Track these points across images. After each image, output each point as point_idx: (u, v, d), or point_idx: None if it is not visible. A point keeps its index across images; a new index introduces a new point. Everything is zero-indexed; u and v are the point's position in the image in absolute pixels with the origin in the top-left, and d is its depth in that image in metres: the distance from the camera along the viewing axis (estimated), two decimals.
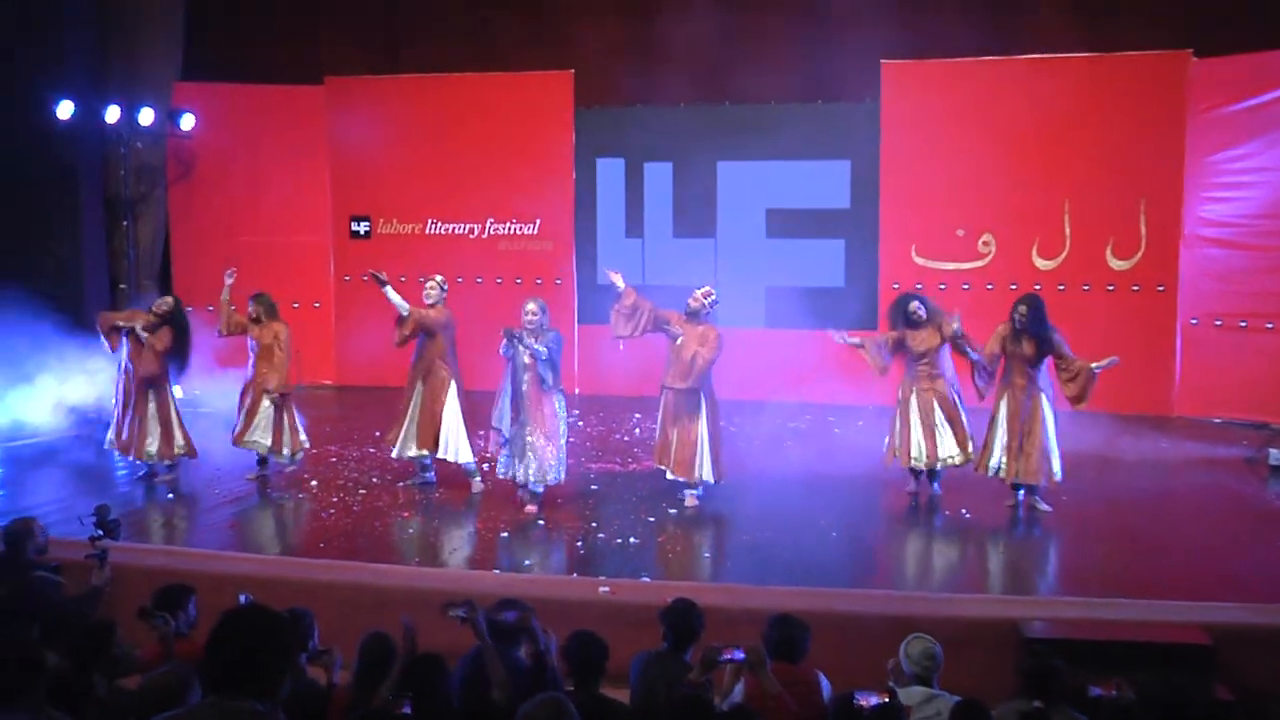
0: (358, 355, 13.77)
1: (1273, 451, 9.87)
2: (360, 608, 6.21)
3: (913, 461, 8.61)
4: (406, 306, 8.76)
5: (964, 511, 8.48)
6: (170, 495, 9.17)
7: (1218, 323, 11.96)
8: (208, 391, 11.20)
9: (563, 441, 8.40)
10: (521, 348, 8.14)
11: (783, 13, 13.16)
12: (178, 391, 9.68)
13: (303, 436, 9.50)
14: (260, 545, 8.11)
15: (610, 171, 13.81)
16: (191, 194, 14.23)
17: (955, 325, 8.39)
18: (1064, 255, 12.48)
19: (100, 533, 5.53)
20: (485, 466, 8.94)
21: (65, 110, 12.56)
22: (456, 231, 14.08)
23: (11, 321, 10.77)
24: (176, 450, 9.36)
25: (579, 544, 7.77)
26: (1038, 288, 11.67)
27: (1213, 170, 11.94)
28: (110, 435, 9.47)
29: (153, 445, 9.26)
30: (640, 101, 13.64)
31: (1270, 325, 11.58)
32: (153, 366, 9.15)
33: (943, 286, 12.53)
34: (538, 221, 13.87)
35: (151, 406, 9.23)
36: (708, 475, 8.45)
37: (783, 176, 13.26)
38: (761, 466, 9.66)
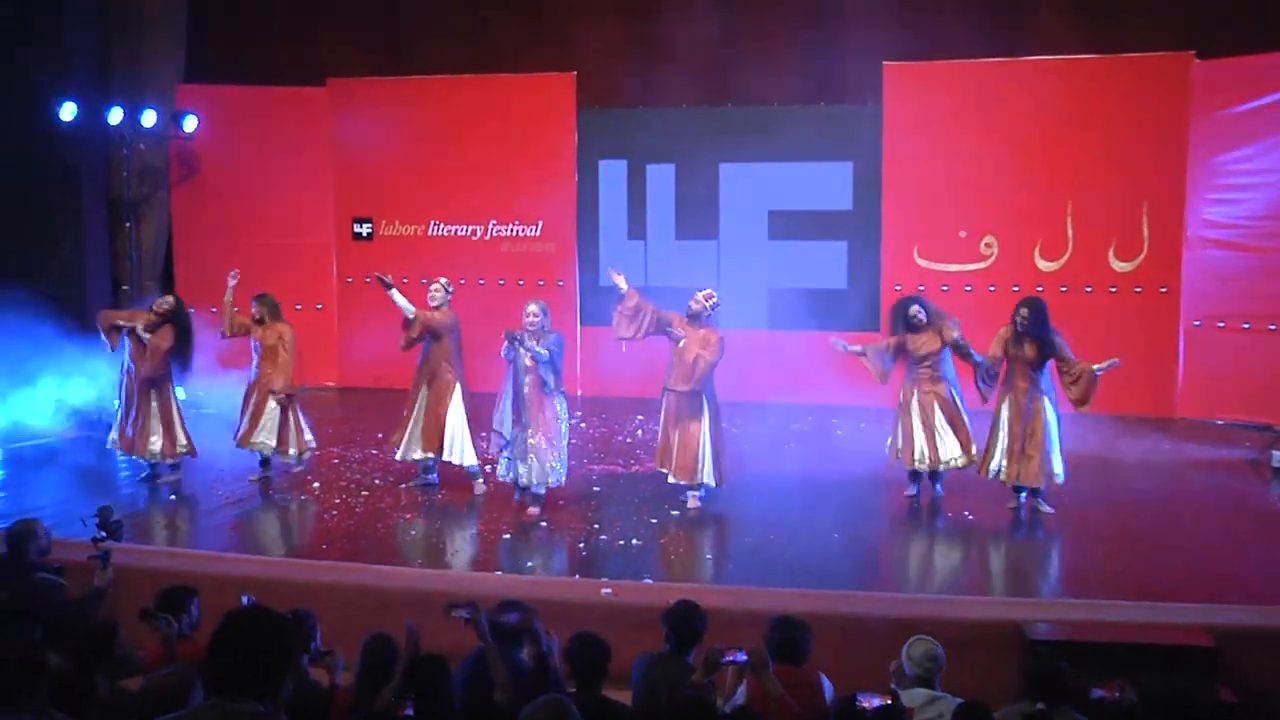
0: (360, 357, 13.79)
1: (1275, 453, 9.85)
2: (363, 609, 6.21)
3: (916, 464, 8.60)
4: (412, 309, 8.76)
5: (966, 513, 8.47)
6: (173, 496, 9.18)
7: (1220, 324, 11.95)
8: (210, 393, 11.21)
9: (564, 443, 8.40)
10: (522, 350, 8.14)
11: (785, 14, 13.16)
12: (180, 393, 9.68)
13: (309, 436, 9.51)
14: (263, 547, 8.12)
15: (612, 173, 13.80)
16: (194, 196, 14.25)
17: (956, 334, 8.39)
18: (1066, 257, 12.47)
19: (103, 534, 5.53)
20: (488, 469, 8.94)
21: (68, 112, 12.58)
22: (459, 233, 14.09)
23: (14, 323, 10.78)
24: (179, 449, 9.37)
25: (581, 545, 7.77)
26: (1040, 289, 11.68)
27: (1215, 172, 11.92)
28: (113, 435, 9.47)
29: (156, 444, 9.27)
30: (643, 103, 13.64)
31: (1273, 327, 11.56)
32: (155, 366, 9.16)
33: (945, 288, 12.53)
34: (540, 223, 13.87)
35: (154, 406, 9.24)
36: (709, 478, 8.44)
37: (785, 178, 13.25)
38: (764, 468, 9.66)
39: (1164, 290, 12.22)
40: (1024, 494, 8.40)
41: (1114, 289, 12.34)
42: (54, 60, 12.86)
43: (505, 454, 8.35)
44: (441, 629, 4.61)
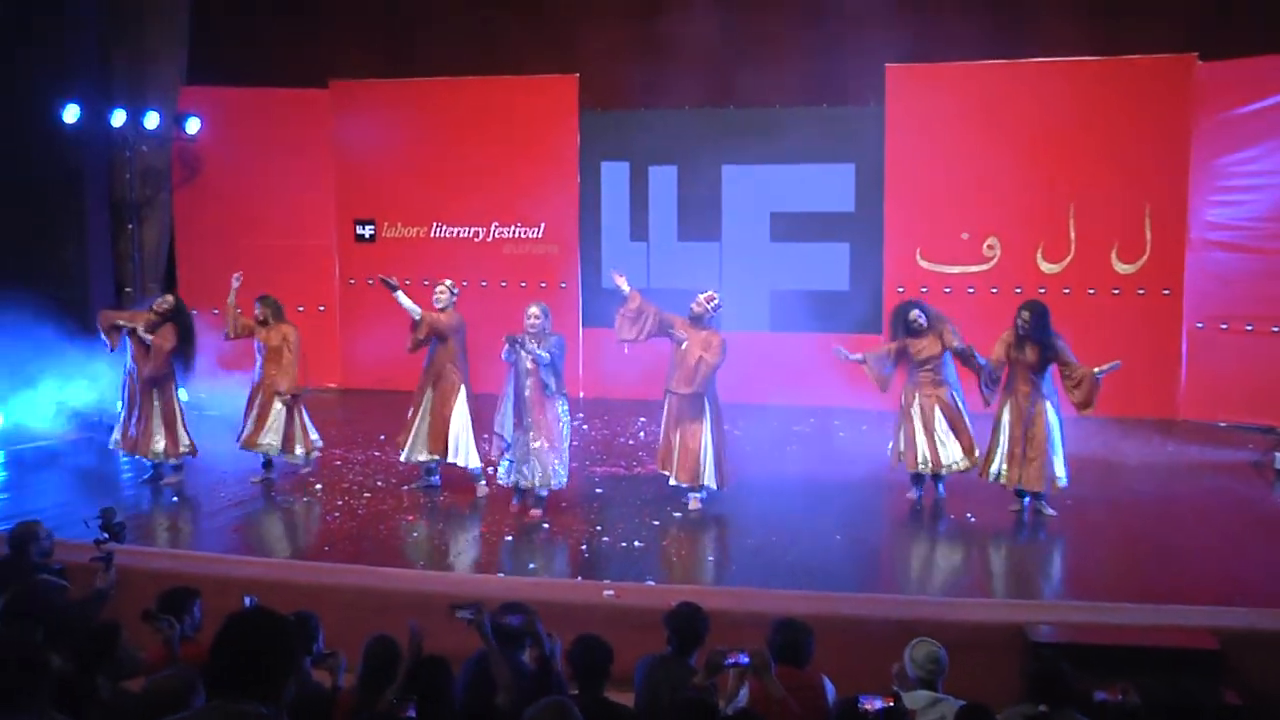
0: (362, 359, 13.79)
1: (1278, 455, 9.84)
2: (365, 611, 6.21)
3: (918, 467, 8.59)
4: (418, 310, 8.77)
5: (969, 515, 8.47)
6: (175, 498, 9.18)
7: (1223, 326, 11.93)
8: (212, 394, 11.22)
9: (565, 446, 8.39)
10: (524, 353, 8.13)
11: (788, 16, 13.15)
12: (183, 394, 9.69)
13: (314, 436, 9.53)
14: (265, 548, 8.12)
15: (615, 175, 13.80)
16: (197, 198, 14.26)
17: (957, 343, 8.39)
18: (1069, 259, 12.46)
19: (105, 535, 5.53)
20: (490, 470, 8.94)
21: (71, 114, 12.59)
22: (461, 235, 14.09)
23: (16, 324, 10.79)
24: (182, 449, 9.38)
25: (583, 547, 7.76)
26: (1043, 291, 11.70)
27: (1218, 174, 11.92)
28: (116, 436, 9.48)
29: (159, 444, 9.28)
30: (645, 105, 13.64)
31: (1276, 329, 11.55)
32: (158, 366, 9.15)
33: (947, 290, 12.52)
34: (542, 225, 13.86)
35: (156, 406, 9.25)
36: (711, 481, 8.43)
37: (787, 180, 13.24)
38: (766, 470, 9.65)
39: (1166, 292, 12.21)
40: (1027, 497, 8.39)
41: (1116, 291, 12.33)
42: (57, 62, 12.88)
43: (507, 457, 8.34)
44: (444, 630, 4.61)
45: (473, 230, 14.05)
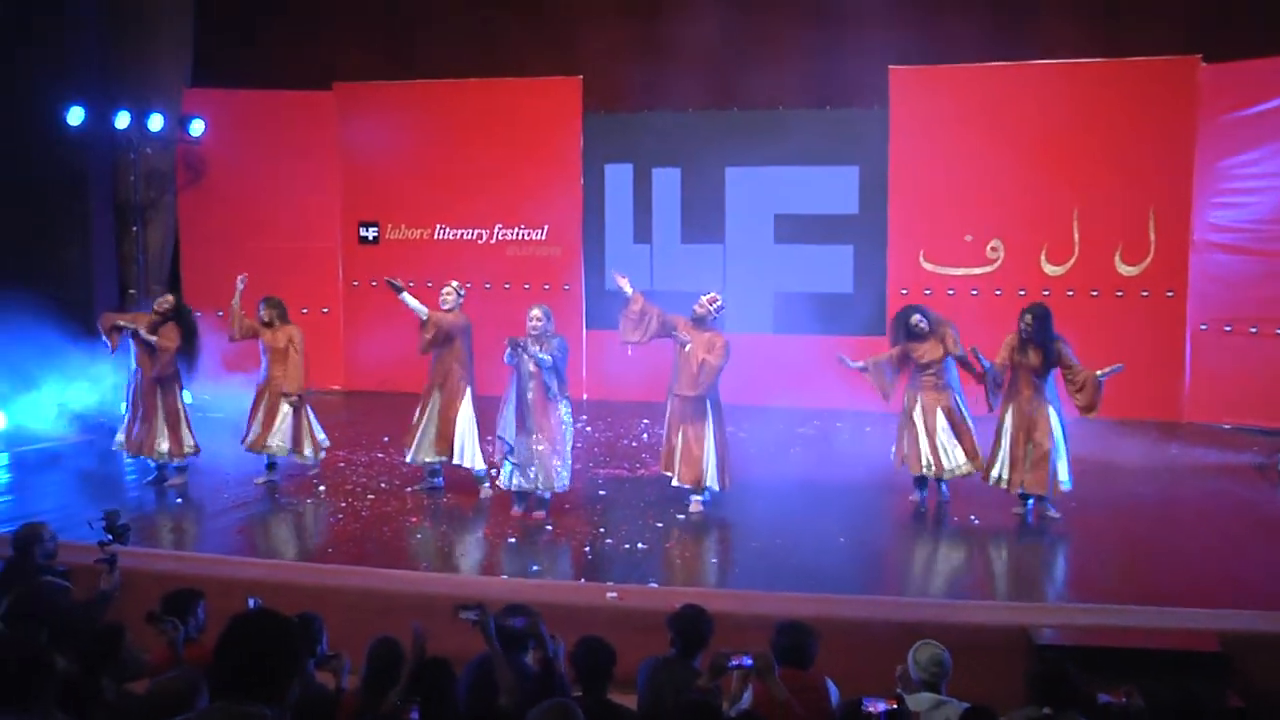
0: (366, 361, 13.81)
1: None
2: (368, 613, 6.22)
3: (922, 469, 8.59)
4: (425, 310, 8.77)
5: (973, 518, 8.46)
6: (179, 500, 9.19)
7: (1227, 328, 11.92)
8: (216, 396, 11.23)
9: (568, 448, 8.38)
10: (526, 356, 8.12)
11: (791, 18, 13.16)
12: (187, 396, 9.70)
13: (321, 436, 9.55)
14: (269, 550, 8.13)
15: (618, 177, 13.81)
16: (201, 199, 14.28)
17: (959, 350, 8.39)
18: (1073, 261, 12.45)
19: (109, 537, 5.53)
20: (494, 472, 8.94)
21: (76, 116, 12.61)
22: (465, 237, 14.09)
23: (20, 326, 10.81)
24: (186, 450, 9.39)
25: (587, 549, 7.76)
26: (1046, 294, 11.69)
27: (1222, 175, 11.90)
28: (120, 437, 9.49)
29: (163, 444, 9.29)
30: (649, 107, 13.65)
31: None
32: (165, 366, 9.16)
33: (951, 292, 12.52)
34: (546, 227, 13.87)
35: (161, 407, 9.25)
36: (713, 483, 8.43)
37: (791, 182, 13.24)
38: (769, 472, 9.64)
39: (1170, 294, 12.20)
40: (1030, 500, 8.38)
41: (1120, 293, 12.31)
42: (61, 64, 12.90)
43: (510, 460, 8.33)
44: (447, 632, 4.61)
45: (476, 232, 14.06)
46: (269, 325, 9.33)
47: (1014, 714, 4.44)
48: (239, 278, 9.44)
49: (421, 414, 8.94)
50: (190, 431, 9.44)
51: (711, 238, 13.53)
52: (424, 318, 8.76)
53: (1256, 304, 11.68)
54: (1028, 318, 8.17)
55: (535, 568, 7.43)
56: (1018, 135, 12.41)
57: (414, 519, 8.55)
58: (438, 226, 14.15)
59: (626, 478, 9.78)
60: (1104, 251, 12.35)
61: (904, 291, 12.42)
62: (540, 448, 8.20)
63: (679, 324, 8.44)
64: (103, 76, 13.34)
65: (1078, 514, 8.45)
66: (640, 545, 7.79)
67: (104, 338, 9.31)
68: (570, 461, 8.44)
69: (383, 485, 9.45)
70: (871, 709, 4.14)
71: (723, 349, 8.31)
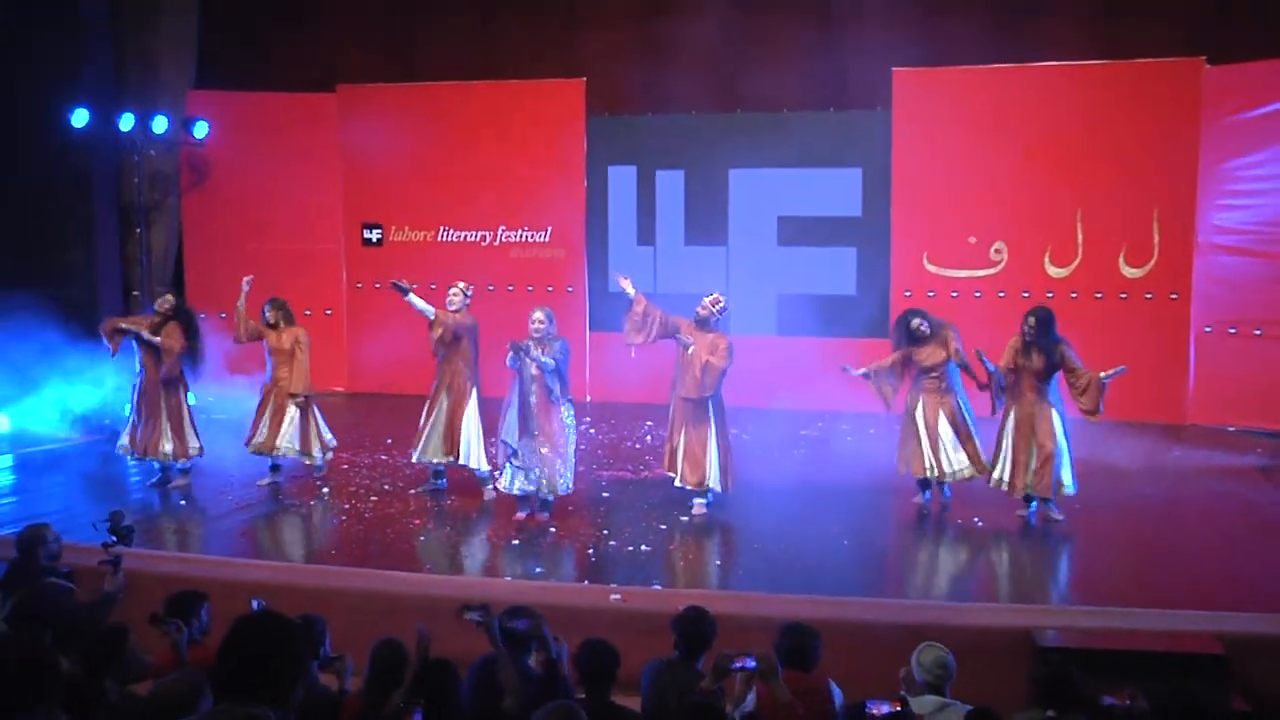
0: (369, 362, 13.83)
1: None
2: (372, 614, 6.22)
3: (925, 472, 8.58)
4: (432, 310, 8.78)
5: (976, 520, 8.45)
6: (183, 501, 9.19)
7: (1231, 330, 11.90)
8: (219, 398, 11.24)
9: (571, 451, 8.38)
10: (528, 359, 8.12)
11: (795, 20, 13.17)
12: (191, 398, 9.70)
13: (328, 436, 9.57)
14: (273, 552, 8.13)
15: (622, 179, 13.81)
16: (205, 201, 14.30)
17: (963, 359, 8.38)
18: (1076, 263, 12.44)
19: (113, 539, 5.54)
20: (496, 474, 8.94)
21: (80, 118, 12.63)
22: (468, 239, 14.11)
23: (24, 328, 10.82)
24: (191, 451, 9.40)
25: (590, 551, 7.76)
26: (1050, 296, 11.68)
27: (1226, 177, 11.89)
28: (123, 440, 9.48)
29: (167, 445, 9.29)
30: (652, 109, 13.66)
31: None
32: (171, 366, 9.16)
33: (955, 294, 12.52)
34: (549, 229, 13.88)
35: (165, 408, 9.26)
36: (716, 484, 8.43)
37: (794, 184, 13.24)
38: (773, 474, 9.63)
39: (1174, 296, 12.19)
40: (1034, 502, 8.37)
41: (1124, 295, 12.30)
42: (66, 66, 12.93)
43: (513, 463, 8.32)
44: (451, 634, 4.62)
45: (480, 234, 14.07)
46: (274, 327, 9.34)
47: (1017, 716, 4.44)
48: (245, 280, 9.45)
49: (429, 415, 8.95)
50: (195, 433, 9.45)
51: (715, 240, 13.53)
52: (431, 317, 8.77)
53: (1261, 306, 11.66)
54: (1031, 320, 8.16)
55: (538, 570, 7.43)
56: (1021, 137, 12.40)
57: (417, 521, 8.56)
58: (441, 228, 14.16)
59: (630, 480, 9.78)
60: (1108, 253, 12.33)
61: (907, 294, 12.42)
62: (543, 451, 8.19)
63: (682, 326, 8.43)
64: (107, 79, 13.38)
65: (1081, 516, 8.44)
66: (644, 547, 7.79)
67: (105, 341, 9.31)
68: (573, 464, 8.43)
69: (386, 487, 9.46)
70: (875, 711, 4.14)
71: (726, 351, 8.30)
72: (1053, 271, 12.49)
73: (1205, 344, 12.11)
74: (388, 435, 11.11)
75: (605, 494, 9.26)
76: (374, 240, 14.39)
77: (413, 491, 9.26)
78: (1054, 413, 8.18)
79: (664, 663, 4.83)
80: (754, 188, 13.38)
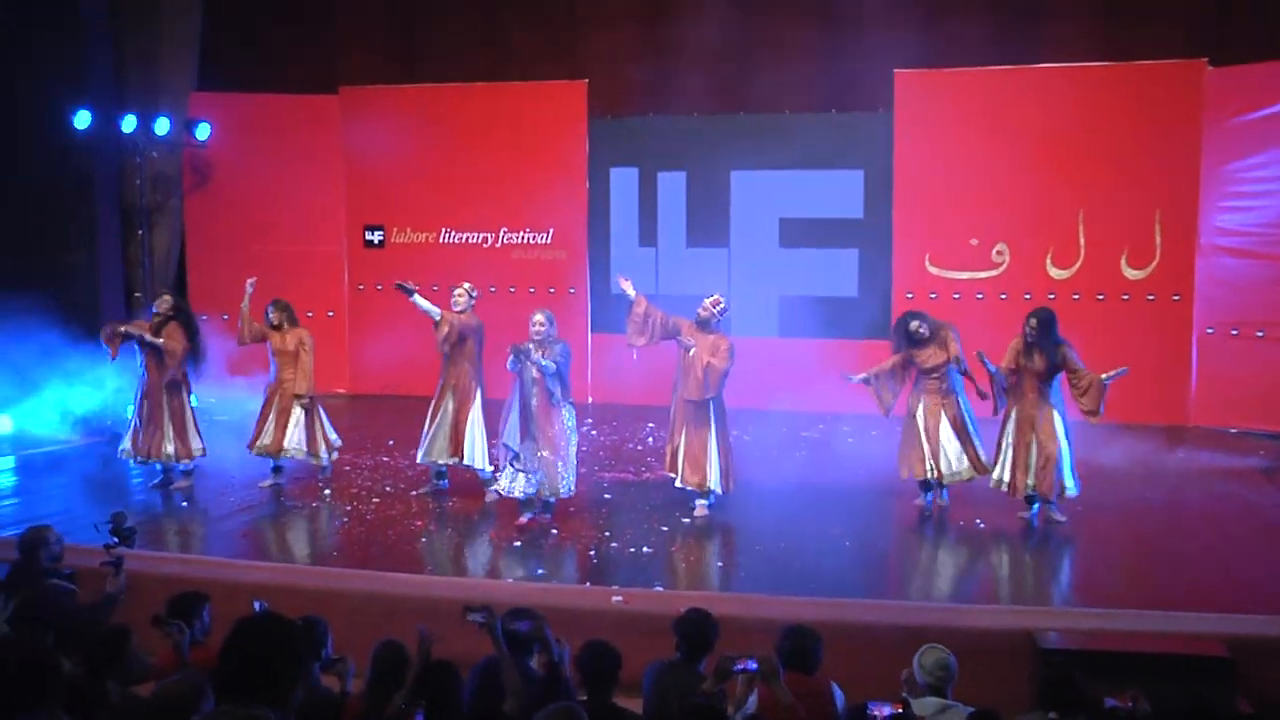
0: (371, 364, 13.84)
1: None
2: (373, 616, 6.23)
3: (926, 474, 8.58)
4: (437, 311, 8.78)
5: (978, 521, 8.44)
6: (185, 503, 9.19)
7: (1234, 332, 11.90)
8: (221, 399, 11.24)
9: (572, 453, 8.36)
10: (529, 362, 8.11)
11: (797, 22, 13.16)
12: (194, 400, 9.70)
13: (333, 436, 9.58)
14: (274, 553, 8.13)
15: (624, 180, 13.82)
16: (207, 203, 14.31)
17: (964, 365, 8.38)
18: (1078, 265, 12.43)
19: (115, 540, 5.54)
20: (498, 475, 8.94)
21: (82, 120, 12.64)
22: (470, 240, 14.11)
23: (26, 329, 10.82)
24: (194, 451, 9.40)
25: (592, 553, 7.76)
26: (1052, 297, 11.69)
27: (1228, 179, 11.89)
28: (125, 444, 9.46)
29: (169, 446, 9.29)
30: (654, 111, 13.66)
31: None
32: (175, 367, 9.16)
33: (956, 296, 12.52)
34: (551, 231, 13.88)
35: (167, 409, 9.25)
36: (717, 486, 8.43)
37: (796, 186, 13.24)
38: (774, 475, 9.63)
39: (1176, 298, 12.18)
40: (1036, 503, 8.37)
41: (1126, 297, 12.30)
42: (68, 68, 12.94)
43: (514, 466, 8.31)
44: (452, 636, 4.62)
45: (482, 236, 14.08)
46: (278, 328, 9.34)
47: (1019, 718, 4.43)
48: (249, 281, 9.45)
49: (434, 416, 8.95)
50: (198, 434, 9.45)
51: (716, 241, 13.53)
52: (436, 318, 8.78)
53: (1263, 308, 11.66)
54: (1032, 321, 8.16)
55: (540, 571, 7.42)
56: (1023, 139, 12.40)
57: (419, 522, 8.55)
58: (443, 230, 14.17)
59: (631, 481, 9.77)
60: (1110, 255, 12.33)
61: (909, 295, 12.42)
62: (544, 454, 8.18)
63: (683, 327, 8.43)
64: (109, 80, 13.39)
65: (1083, 517, 8.43)
66: (645, 549, 7.79)
67: (104, 344, 9.28)
68: (574, 467, 8.43)
69: (388, 489, 9.46)
70: (877, 713, 4.14)
71: (727, 352, 8.30)
72: (1054, 273, 12.49)
73: (1207, 346, 12.10)
74: (389, 437, 11.11)
75: (607, 495, 9.26)
76: (376, 242, 14.40)
77: (414, 493, 9.26)
78: (1056, 414, 8.17)
79: (666, 664, 4.82)
80: (756, 189, 13.39)
